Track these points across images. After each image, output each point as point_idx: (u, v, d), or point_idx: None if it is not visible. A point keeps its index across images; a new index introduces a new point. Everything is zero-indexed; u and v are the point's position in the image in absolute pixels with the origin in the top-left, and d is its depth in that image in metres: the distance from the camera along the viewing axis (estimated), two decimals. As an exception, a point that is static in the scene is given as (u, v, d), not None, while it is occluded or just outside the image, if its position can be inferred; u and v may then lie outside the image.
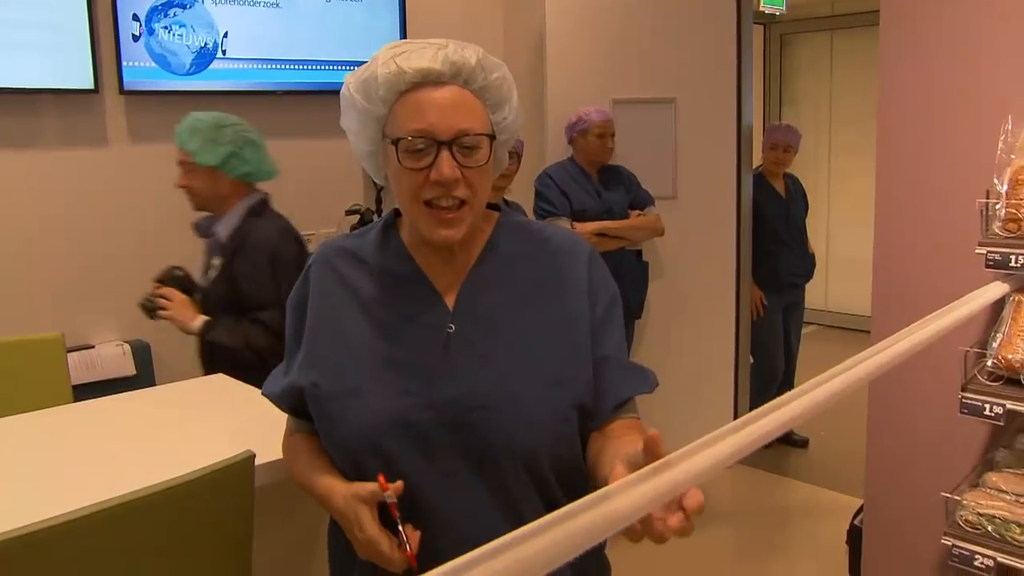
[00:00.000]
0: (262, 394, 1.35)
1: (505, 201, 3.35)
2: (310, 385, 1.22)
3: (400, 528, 1.13)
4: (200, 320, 2.33)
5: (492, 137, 1.18)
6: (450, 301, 1.22)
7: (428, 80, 1.14)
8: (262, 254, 2.31)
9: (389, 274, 1.24)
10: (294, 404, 1.29)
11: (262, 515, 1.47)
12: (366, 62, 1.19)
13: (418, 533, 1.14)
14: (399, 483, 1.13)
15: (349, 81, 1.20)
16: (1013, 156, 1.76)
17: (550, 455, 1.18)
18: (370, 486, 1.13)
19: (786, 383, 4.47)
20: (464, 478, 1.16)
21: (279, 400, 1.31)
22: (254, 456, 1.36)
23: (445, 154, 1.13)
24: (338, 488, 1.18)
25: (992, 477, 1.78)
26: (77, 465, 1.65)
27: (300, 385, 1.24)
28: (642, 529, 0.87)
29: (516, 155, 3.30)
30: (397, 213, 1.31)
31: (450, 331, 1.19)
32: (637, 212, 3.54)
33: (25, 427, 1.85)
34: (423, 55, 1.14)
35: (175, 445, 1.73)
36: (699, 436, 0.86)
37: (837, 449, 4.39)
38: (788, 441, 4.45)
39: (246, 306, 2.28)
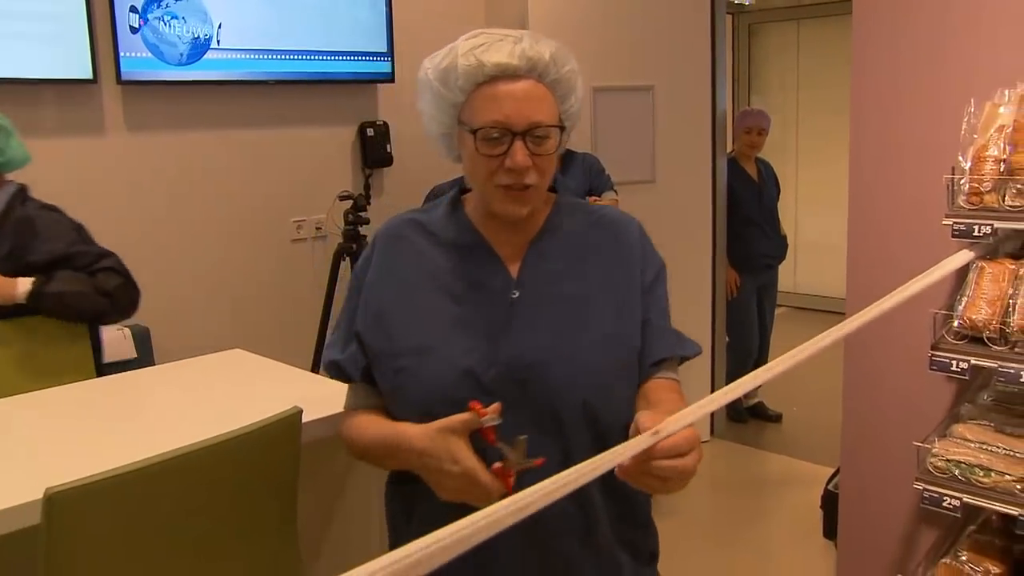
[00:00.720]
0: (323, 366, 1.39)
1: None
2: (385, 344, 1.30)
3: (505, 449, 1.12)
4: (26, 280, 2.14)
5: (562, 128, 1.28)
6: (513, 270, 1.33)
7: (505, 74, 1.24)
8: (64, 227, 2.28)
9: (456, 245, 1.35)
10: (357, 369, 1.34)
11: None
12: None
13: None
14: (497, 404, 1.16)
15: (427, 67, 1.30)
16: (976, 136, 1.92)
17: (605, 408, 1.27)
18: (461, 416, 1.15)
19: (759, 359, 4.65)
20: (529, 430, 1.19)
21: (346, 365, 1.35)
22: (301, 411, 1.47)
23: (519, 144, 1.23)
24: (416, 429, 1.19)
25: (959, 428, 1.94)
26: (123, 431, 1.76)
27: (373, 347, 1.31)
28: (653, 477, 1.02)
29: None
30: (461, 191, 1.42)
31: (514, 296, 1.30)
32: (593, 198, 3.63)
33: (63, 399, 1.95)
34: (501, 49, 1.23)
35: (212, 411, 1.84)
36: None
37: (809, 423, 4.57)
38: (763, 416, 4.63)
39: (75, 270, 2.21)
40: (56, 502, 1.17)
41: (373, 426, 1.31)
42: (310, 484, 1.84)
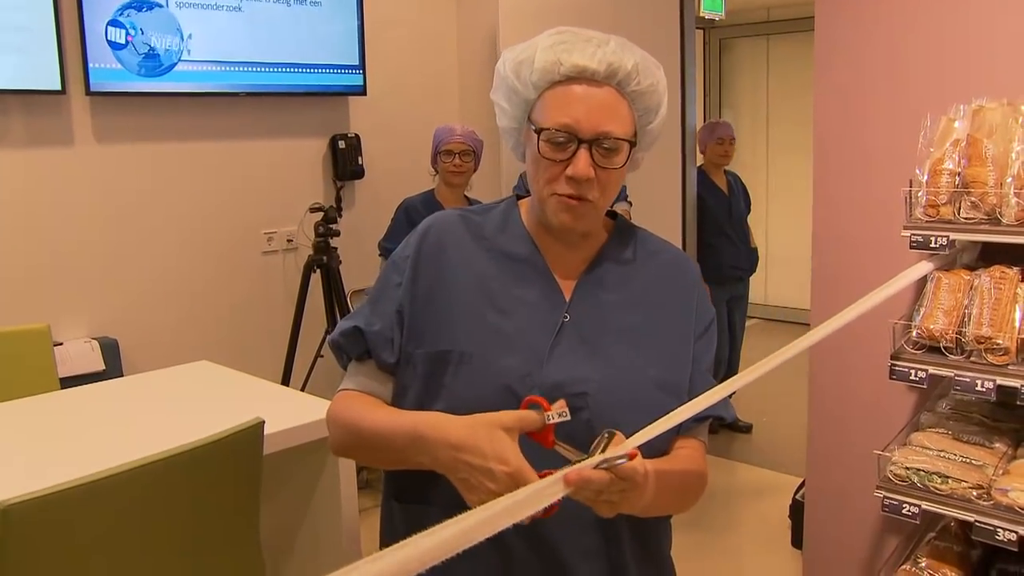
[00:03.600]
0: (338, 332, 1.25)
1: (467, 198, 3.48)
2: (414, 342, 1.20)
3: (566, 452, 1.02)
4: None
5: (633, 143, 1.20)
6: (566, 292, 1.24)
7: (582, 76, 1.17)
8: None
9: (508, 254, 1.26)
10: (390, 352, 1.22)
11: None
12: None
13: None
14: (562, 400, 1.06)
15: (506, 57, 1.23)
16: (932, 149, 1.96)
17: (645, 454, 1.12)
18: (514, 412, 1.03)
19: (730, 371, 4.68)
20: (560, 463, 1.09)
21: (371, 337, 1.22)
22: (263, 422, 1.47)
23: (584, 152, 1.15)
24: (453, 420, 1.05)
25: (918, 436, 1.97)
26: (84, 443, 1.75)
27: (408, 350, 1.21)
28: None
29: (475, 154, 3.43)
30: (519, 196, 1.34)
31: (565, 320, 1.21)
32: None
33: (23, 411, 1.94)
34: (584, 51, 1.17)
35: (176, 422, 1.84)
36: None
37: (778, 434, 4.61)
38: (733, 427, 4.66)
39: None
40: (12, 515, 1.16)
41: (380, 411, 1.19)
42: (276, 495, 1.84)
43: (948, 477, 1.82)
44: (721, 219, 4.50)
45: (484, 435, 1.00)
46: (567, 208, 1.19)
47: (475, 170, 3.47)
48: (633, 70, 1.17)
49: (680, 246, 4.25)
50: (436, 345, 1.20)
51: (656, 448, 1.19)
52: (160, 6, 3.25)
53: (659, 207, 4.16)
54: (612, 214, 1.34)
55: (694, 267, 1.36)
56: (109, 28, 3.14)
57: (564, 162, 1.16)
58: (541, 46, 1.19)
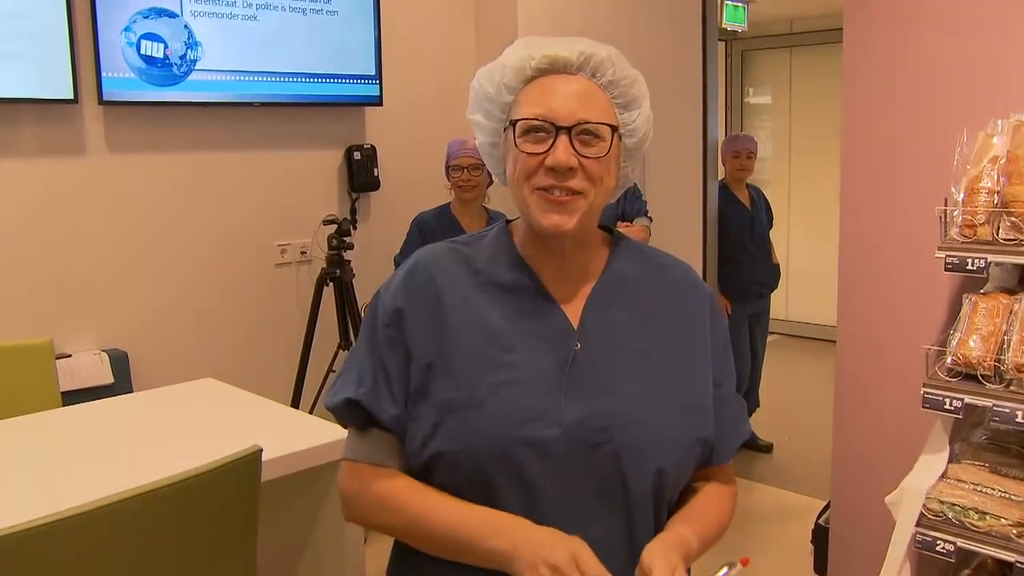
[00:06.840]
0: (333, 408, 1.18)
1: (486, 210, 3.42)
2: (437, 392, 1.12)
3: None
4: None
5: (615, 128, 1.15)
6: (573, 317, 1.17)
7: (555, 67, 1.14)
8: None
9: (505, 286, 1.18)
10: (390, 411, 1.14)
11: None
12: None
13: None
14: None
15: (479, 74, 1.20)
16: (969, 167, 1.87)
17: (675, 483, 1.16)
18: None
19: (751, 388, 4.59)
20: (588, 499, 1.11)
21: (369, 404, 1.14)
22: (261, 451, 1.40)
23: (563, 139, 1.10)
24: (555, 536, 1.04)
25: (953, 468, 1.88)
26: (77, 465, 1.70)
27: (414, 400, 1.13)
28: None
29: (487, 167, 3.35)
30: (509, 221, 1.28)
31: (576, 349, 1.15)
32: (625, 224, 3.55)
33: (19, 430, 1.88)
34: (554, 44, 1.15)
35: (173, 445, 1.78)
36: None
37: (800, 454, 4.51)
38: (753, 447, 4.56)
39: None
40: (-7, 549, 1.10)
41: (440, 501, 1.12)
42: (277, 521, 1.77)
43: (986, 513, 1.73)
44: (743, 234, 4.41)
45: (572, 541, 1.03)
46: (554, 207, 1.11)
47: (491, 182, 3.40)
48: (607, 59, 1.16)
49: (701, 262, 4.17)
50: (445, 393, 1.12)
51: (681, 477, 1.17)
52: (175, 15, 3.21)
53: (680, 222, 4.09)
54: (609, 230, 1.28)
55: (703, 281, 1.31)
56: (143, 42, 3.11)
57: (543, 154, 1.11)
58: (512, 48, 1.18)
